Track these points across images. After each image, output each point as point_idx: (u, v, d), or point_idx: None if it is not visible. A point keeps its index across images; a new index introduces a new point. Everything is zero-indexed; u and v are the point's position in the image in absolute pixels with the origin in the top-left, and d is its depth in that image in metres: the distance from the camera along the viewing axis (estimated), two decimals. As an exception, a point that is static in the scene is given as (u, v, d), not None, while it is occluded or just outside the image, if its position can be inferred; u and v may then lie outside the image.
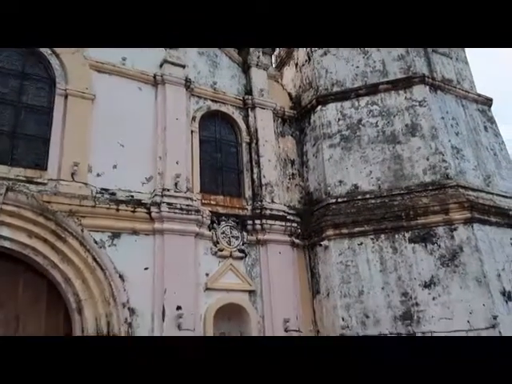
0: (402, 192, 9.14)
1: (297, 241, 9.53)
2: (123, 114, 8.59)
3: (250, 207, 9.49)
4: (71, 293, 7.22)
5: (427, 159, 9.26)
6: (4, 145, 7.59)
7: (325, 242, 9.16)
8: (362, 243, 8.95)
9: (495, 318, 7.73)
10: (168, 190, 8.42)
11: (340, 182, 9.63)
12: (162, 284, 7.83)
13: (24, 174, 7.45)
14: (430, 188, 9.01)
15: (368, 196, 9.36)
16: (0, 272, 7.08)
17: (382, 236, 8.85)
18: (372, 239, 8.89)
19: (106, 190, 8.01)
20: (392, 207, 8.98)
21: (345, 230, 9.08)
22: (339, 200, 9.48)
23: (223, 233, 8.85)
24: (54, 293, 7.34)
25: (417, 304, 8.22)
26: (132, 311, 7.45)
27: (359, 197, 9.40)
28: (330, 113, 10.22)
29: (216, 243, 8.72)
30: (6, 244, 6.96)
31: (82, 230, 7.41)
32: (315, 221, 9.50)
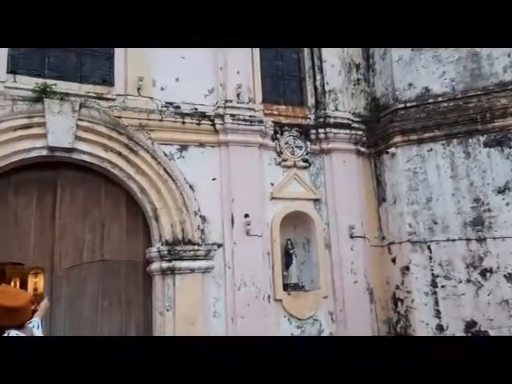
0: (479, 93, 8.46)
1: (362, 149, 9.34)
2: (182, 25, 8.43)
3: (313, 116, 9.31)
4: (147, 202, 7.73)
5: (508, 56, 8.39)
6: (72, 62, 7.83)
7: (392, 150, 8.91)
8: (431, 149, 8.59)
9: None
10: (230, 102, 8.41)
11: (409, 85, 9.06)
12: (229, 193, 8.14)
13: (94, 91, 7.72)
14: (511, 87, 8.26)
15: (440, 99, 8.78)
16: (84, 183, 7.71)
17: (454, 141, 8.42)
18: (443, 145, 8.50)
19: (171, 103, 8.15)
20: (466, 110, 8.40)
21: (413, 136, 8.71)
22: (408, 105, 8.99)
23: (286, 143, 8.84)
24: (132, 201, 7.90)
25: (489, 210, 7.96)
26: (203, 219, 7.90)
27: (430, 100, 8.85)
28: (399, 9, 9.37)
29: (280, 153, 8.77)
30: (86, 158, 7.45)
31: (153, 143, 7.73)
32: (382, 128, 9.18)
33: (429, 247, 8.30)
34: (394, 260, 8.77)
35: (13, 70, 7.37)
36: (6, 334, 2.25)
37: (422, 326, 8.16)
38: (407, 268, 8.42)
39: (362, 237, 8.88)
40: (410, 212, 8.53)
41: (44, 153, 7.18)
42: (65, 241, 7.48)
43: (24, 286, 14.66)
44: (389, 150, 8.94)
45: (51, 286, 7.31)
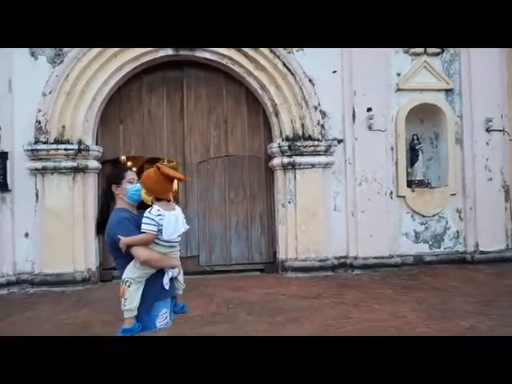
0: None
1: (509, 28, 8.01)
2: None
3: (449, -8, 8.11)
4: (267, 98, 7.76)
5: None
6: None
7: (548, 26, 7.49)
8: None
9: None
10: (353, -17, 7.65)
11: None
12: (351, 86, 7.76)
13: (211, -16, 7.60)
14: None
15: None
16: (207, 81, 7.97)
17: None
18: None
19: (288, -9, 7.70)
20: None
21: None
22: None
23: (416, 27, 7.92)
24: (253, 98, 8.00)
25: None
26: (323, 114, 7.73)
27: None
28: None
29: (408, 39, 7.93)
30: (207, 55, 7.58)
31: (270, 36, 7.51)
32: (537, -1, 7.68)
33: None
34: (538, 156, 7.81)
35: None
36: (154, 211, 2.47)
37: None
38: (555, 164, 7.46)
39: (500, 130, 7.97)
40: None
41: (170, 52, 7.45)
42: (193, 137, 7.99)
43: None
44: (544, 27, 7.53)
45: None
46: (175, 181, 2.59)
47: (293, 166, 7.61)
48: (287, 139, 7.66)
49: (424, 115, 8.15)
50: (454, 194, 8.00)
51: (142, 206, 2.66)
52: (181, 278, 2.71)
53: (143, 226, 2.44)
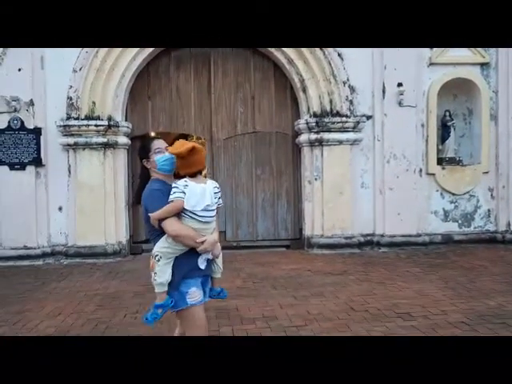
0: None
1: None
2: None
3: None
4: (295, 73, 7.66)
5: None
6: None
7: None
8: None
9: None
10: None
11: None
12: (381, 60, 7.57)
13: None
14: None
15: None
16: (234, 57, 7.92)
17: None
18: None
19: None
20: None
21: None
22: None
23: (452, -3, 7.60)
24: (280, 74, 7.91)
25: None
26: (352, 89, 7.58)
27: None
28: None
29: (442, 11, 7.63)
30: (234, 30, 7.51)
31: (299, 10, 7.36)
32: None
33: None
34: None
35: None
36: (180, 181, 2.45)
37: None
38: None
39: (538, 106, 7.65)
40: None
41: (197, 27, 7.41)
42: (220, 114, 8.00)
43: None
44: None
45: (212, 155, 8.08)
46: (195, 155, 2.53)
47: (320, 143, 7.55)
48: (315, 115, 7.57)
49: (458, 90, 7.89)
50: (486, 172, 7.78)
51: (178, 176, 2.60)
52: (219, 261, 2.67)
53: (170, 196, 2.38)
